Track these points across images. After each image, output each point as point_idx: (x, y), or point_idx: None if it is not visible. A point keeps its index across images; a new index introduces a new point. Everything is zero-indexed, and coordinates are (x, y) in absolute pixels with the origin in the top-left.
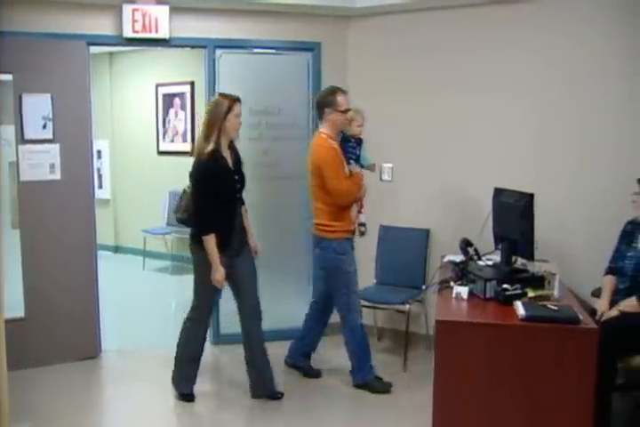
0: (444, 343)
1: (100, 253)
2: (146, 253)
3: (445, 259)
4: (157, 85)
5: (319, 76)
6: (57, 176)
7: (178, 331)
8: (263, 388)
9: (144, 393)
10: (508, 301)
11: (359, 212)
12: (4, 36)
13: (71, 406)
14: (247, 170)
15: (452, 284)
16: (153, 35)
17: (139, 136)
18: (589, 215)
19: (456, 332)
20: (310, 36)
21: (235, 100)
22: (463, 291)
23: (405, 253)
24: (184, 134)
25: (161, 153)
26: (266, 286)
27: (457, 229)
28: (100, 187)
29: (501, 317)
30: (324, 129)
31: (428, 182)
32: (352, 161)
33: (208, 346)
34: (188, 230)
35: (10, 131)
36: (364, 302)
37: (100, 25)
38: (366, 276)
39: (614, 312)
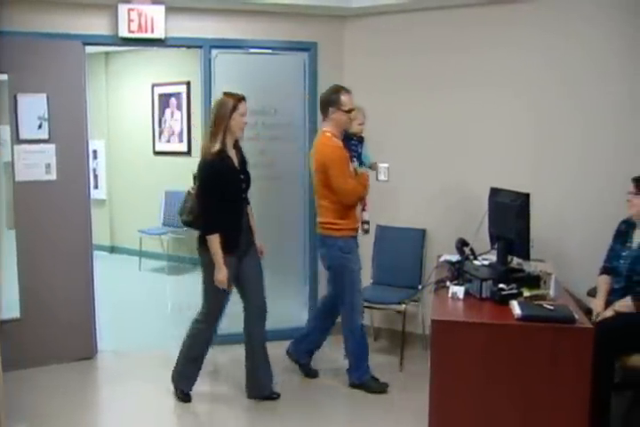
0: (440, 343)
1: (95, 253)
2: (142, 254)
3: (442, 259)
4: (153, 85)
5: (315, 76)
6: (52, 176)
7: (174, 331)
8: (259, 390)
9: (140, 394)
10: (503, 300)
11: (363, 209)
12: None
13: (67, 407)
14: None
15: (448, 283)
16: (149, 35)
17: (135, 136)
18: (586, 215)
19: (452, 331)
20: (306, 36)
21: (240, 98)
22: (459, 291)
23: (402, 253)
24: (180, 134)
25: (157, 153)
26: None
27: (453, 228)
28: (96, 187)
29: (497, 316)
30: (327, 128)
31: (425, 182)
32: (354, 159)
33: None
34: (183, 231)
35: (5, 131)
36: None
37: (96, 25)
38: (363, 276)
39: (609, 313)
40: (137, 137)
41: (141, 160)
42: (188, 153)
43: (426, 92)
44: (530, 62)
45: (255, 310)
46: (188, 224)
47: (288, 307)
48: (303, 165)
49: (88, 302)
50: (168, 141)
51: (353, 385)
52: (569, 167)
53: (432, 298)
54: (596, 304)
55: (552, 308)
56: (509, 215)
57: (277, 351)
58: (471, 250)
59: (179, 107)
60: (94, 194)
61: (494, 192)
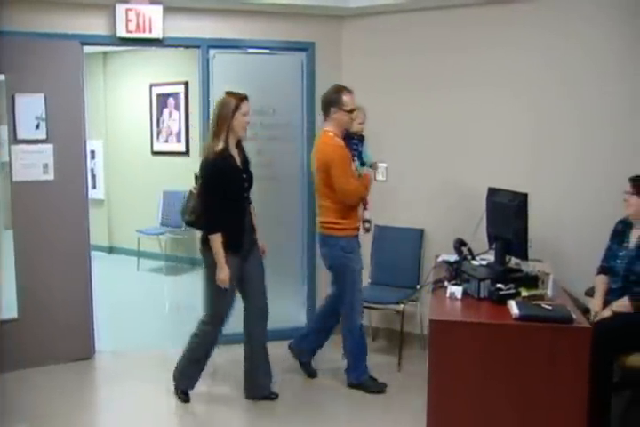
0: (439, 343)
1: (93, 253)
2: (140, 254)
3: (440, 259)
4: (151, 85)
5: (313, 76)
6: (50, 176)
7: (172, 331)
8: (258, 390)
9: (138, 394)
10: (501, 300)
11: (364, 208)
12: None
13: (65, 407)
14: None
15: (446, 283)
16: (146, 35)
17: (132, 136)
18: (584, 214)
19: (450, 331)
20: (304, 36)
21: (242, 98)
22: (457, 291)
23: (400, 253)
24: (178, 134)
25: (155, 153)
26: None
27: (451, 228)
28: (94, 187)
29: (495, 316)
30: (329, 127)
31: (423, 182)
32: (355, 158)
33: None
34: (181, 231)
35: (3, 131)
36: None
37: (94, 25)
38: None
39: (607, 313)
40: (135, 137)
41: (139, 160)
42: (186, 153)
43: (424, 92)
44: (528, 62)
45: (256, 311)
46: (190, 224)
47: (286, 307)
48: (301, 165)
49: (86, 303)
50: (166, 141)
51: (351, 385)
52: (567, 167)
53: (430, 298)
54: (594, 304)
55: (550, 308)
56: (507, 215)
57: (275, 351)
58: (469, 250)
59: (177, 107)
60: (92, 194)
61: (492, 192)
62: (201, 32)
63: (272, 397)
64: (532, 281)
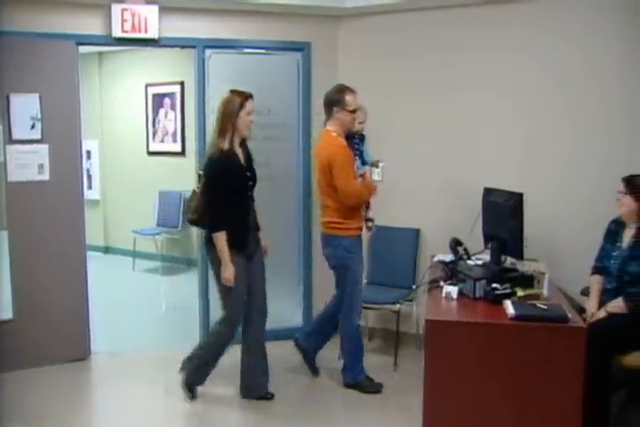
0: (434, 343)
1: (89, 253)
2: (136, 254)
3: (435, 258)
4: (147, 85)
5: (309, 77)
6: (45, 177)
7: (168, 332)
8: (255, 389)
9: (134, 394)
10: (497, 300)
11: (367, 207)
12: None
13: (61, 408)
14: None
15: (441, 283)
16: (142, 35)
17: (128, 136)
18: (579, 214)
19: (446, 331)
20: (300, 36)
21: (247, 96)
22: (453, 290)
23: (396, 253)
24: (174, 134)
25: (151, 153)
26: None
27: (447, 228)
28: (90, 187)
29: (491, 316)
30: (331, 127)
31: (419, 182)
32: (357, 157)
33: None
34: (177, 231)
35: None
36: None
37: (89, 25)
38: None
39: (602, 313)
40: (131, 137)
41: (135, 160)
42: (182, 153)
43: (420, 92)
44: (526, 64)
45: (255, 311)
46: (193, 222)
47: (282, 307)
48: (297, 165)
49: (81, 303)
50: (162, 142)
51: (347, 385)
52: (562, 168)
53: (426, 298)
54: (590, 305)
55: (545, 307)
56: (503, 215)
57: (271, 351)
58: (465, 250)
59: (172, 107)
60: (88, 194)
61: (488, 192)
62: (197, 32)
63: (268, 396)
64: (528, 281)
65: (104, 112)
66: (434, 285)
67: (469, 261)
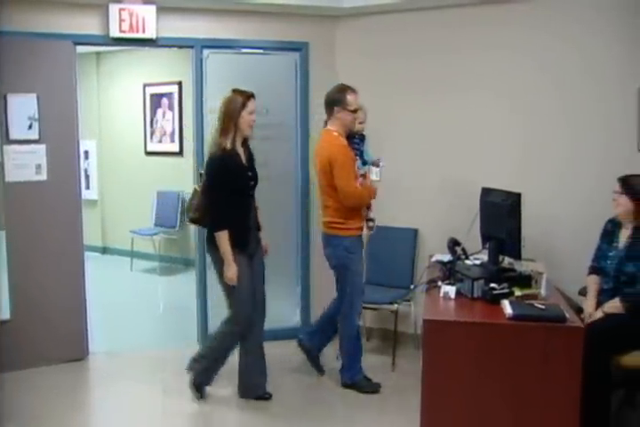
0: (432, 343)
1: (87, 254)
2: (133, 254)
3: (433, 258)
4: (145, 85)
5: (307, 77)
6: (43, 177)
7: (166, 332)
8: (253, 389)
9: (132, 394)
10: (495, 300)
11: (367, 208)
12: None
13: (59, 408)
14: None
15: (439, 283)
16: (140, 35)
17: (126, 136)
18: (577, 214)
19: (444, 331)
20: (298, 36)
21: (249, 96)
22: (451, 290)
23: (394, 253)
24: (172, 135)
25: (148, 153)
26: None
27: (445, 228)
28: (88, 187)
29: (489, 316)
30: (332, 126)
31: (417, 182)
32: (357, 157)
33: (196, 345)
34: (175, 231)
35: None
36: None
37: (87, 24)
38: None
39: (599, 314)
40: (128, 137)
41: (133, 160)
42: (180, 153)
43: (418, 92)
44: (523, 64)
45: (255, 311)
46: (194, 221)
47: (280, 307)
48: (295, 165)
49: (79, 303)
50: (160, 142)
51: (345, 385)
52: (559, 168)
53: (424, 298)
54: (587, 305)
55: (543, 307)
56: (501, 215)
57: (269, 351)
58: (463, 250)
59: (170, 107)
60: (86, 194)
61: (486, 192)
62: (194, 32)
63: (266, 396)
64: (526, 280)
65: (102, 112)
66: (432, 285)
67: (467, 261)
